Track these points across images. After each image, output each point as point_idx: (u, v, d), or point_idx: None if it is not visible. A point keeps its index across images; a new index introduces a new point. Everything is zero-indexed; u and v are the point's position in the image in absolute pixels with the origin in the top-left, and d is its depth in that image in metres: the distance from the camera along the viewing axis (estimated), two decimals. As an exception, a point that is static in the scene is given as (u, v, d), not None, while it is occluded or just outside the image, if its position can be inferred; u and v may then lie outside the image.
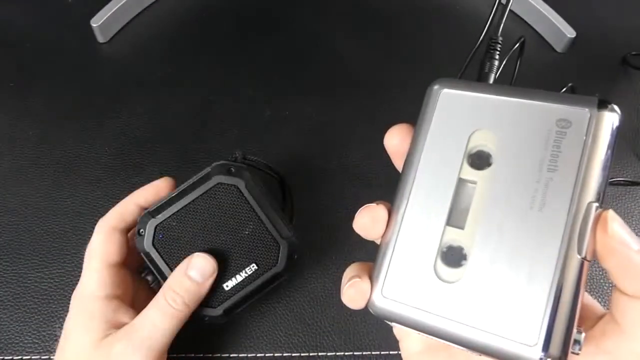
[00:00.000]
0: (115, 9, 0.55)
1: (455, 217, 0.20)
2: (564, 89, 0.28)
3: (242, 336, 0.38)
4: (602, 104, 0.20)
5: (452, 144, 0.21)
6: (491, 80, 0.25)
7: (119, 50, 0.55)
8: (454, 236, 0.20)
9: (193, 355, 0.37)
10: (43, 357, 0.36)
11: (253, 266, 0.33)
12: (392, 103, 0.52)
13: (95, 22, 0.54)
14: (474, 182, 0.21)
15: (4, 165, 0.45)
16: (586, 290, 0.20)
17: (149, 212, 0.32)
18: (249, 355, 0.37)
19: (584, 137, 0.19)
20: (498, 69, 0.25)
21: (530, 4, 0.60)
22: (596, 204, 0.19)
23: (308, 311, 0.39)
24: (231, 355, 0.37)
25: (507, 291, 0.19)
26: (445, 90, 0.22)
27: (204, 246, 0.32)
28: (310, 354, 0.37)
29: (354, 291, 0.21)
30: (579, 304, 0.18)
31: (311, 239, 0.42)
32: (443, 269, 0.20)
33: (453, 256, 0.20)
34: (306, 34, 0.58)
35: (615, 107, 0.20)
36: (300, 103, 0.51)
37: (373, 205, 0.22)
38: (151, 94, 0.51)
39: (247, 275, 0.33)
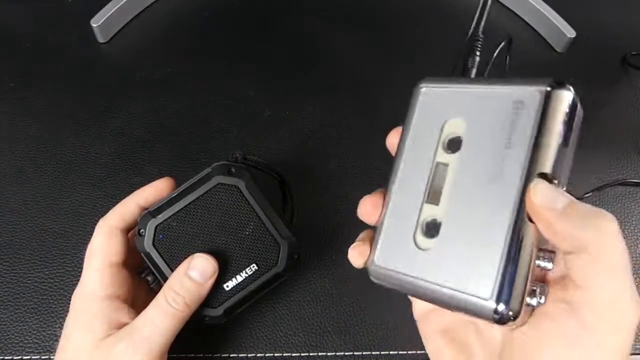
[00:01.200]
0: (115, 9, 0.55)
1: (432, 195, 0.24)
2: (502, 43, 0.29)
3: (242, 336, 0.38)
4: (555, 84, 0.22)
5: (429, 132, 0.25)
6: (472, 74, 0.27)
7: (119, 50, 0.55)
8: (431, 212, 0.24)
9: (193, 355, 0.37)
10: (43, 357, 0.36)
11: (253, 266, 0.33)
12: (392, 103, 0.52)
13: (95, 22, 0.53)
14: (447, 164, 0.24)
15: (4, 165, 0.45)
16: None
17: (149, 213, 0.32)
18: (249, 355, 0.37)
19: (534, 115, 0.21)
20: (480, 63, 0.28)
21: (530, 4, 0.60)
22: (546, 173, 0.21)
23: (308, 311, 0.39)
24: (231, 355, 0.37)
25: (469, 254, 0.22)
26: (425, 87, 0.26)
27: (205, 246, 0.32)
28: (310, 354, 0.37)
29: (356, 252, 0.25)
30: (531, 262, 0.21)
31: (311, 238, 0.42)
32: (421, 239, 0.23)
33: (429, 228, 0.23)
34: (306, 34, 0.58)
35: (569, 87, 0.22)
36: (300, 103, 0.51)
37: (370, 195, 0.26)
38: (151, 94, 0.51)
39: (247, 275, 0.33)
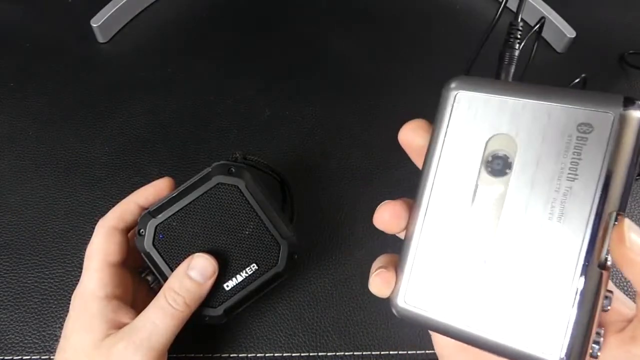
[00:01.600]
0: (115, 9, 0.55)
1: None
2: (576, 81, 0.26)
3: (242, 336, 0.38)
4: (627, 103, 0.18)
5: (470, 149, 0.21)
6: (511, 73, 0.24)
7: (119, 50, 0.55)
8: (475, 245, 0.20)
9: (193, 355, 0.37)
10: (43, 357, 0.36)
11: (253, 266, 0.33)
12: (392, 103, 0.52)
13: (95, 22, 0.54)
14: (493, 190, 0.20)
15: (4, 165, 0.45)
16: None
17: (149, 212, 0.32)
18: (249, 355, 0.37)
19: (606, 143, 0.18)
20: (516, 57, 0.23)
21: (530, 4, 0.60)
22: (615, 214, 0.18)
23: (308, 311, 0.39)
24: (231, 355, 0.37)
25: (528, 304, 0.19)
26: (460, 91, 0.21)
27: (205, 246, 0.32)
28: (310, 354, 0.37)
29: (380, 280, 0.22)
30: (597, 315, 0.18)
31: (311, 238, 0.42)
32: (466, 280, 0.20)
33: (474, 268, 0.20)
34: (306, 34, 0.58)
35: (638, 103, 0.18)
36: (300, 103, 0.51)
37: (393, 201, 0.23)
38: (151, 94, 0.51)
39: (247, 275, 0.33)
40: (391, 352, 0.38)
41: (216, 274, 0.31)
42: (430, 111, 0.49)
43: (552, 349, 0.18)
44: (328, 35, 0.58)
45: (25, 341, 0.37)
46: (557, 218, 0.19)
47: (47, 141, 0.47)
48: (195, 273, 0.31)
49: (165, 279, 0.32)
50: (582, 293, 0.18)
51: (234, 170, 0.33)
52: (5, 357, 0.36)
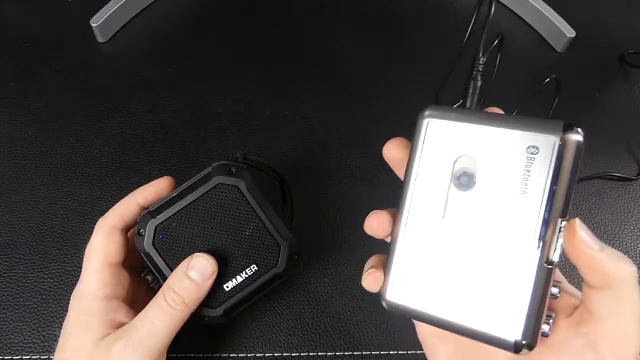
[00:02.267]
0: (115, 9, 0.55)
1: (448, 232, 0.24)
2: (546, 81, 0.28)
3: (242, 336, 0.38)
4: (567, 129, 0.22)
5: (440, 168, 0.25)
6: (475, 102, 0.27)
7: (119, 50, 0.55)
8: (448, 249, 0.24)
9: (193, 355, 0.37)
10: (43, 357, 0.36)
11: (254, 267, 0.33)
12: (392, 103, 0.52)
13: (95, 22, 0.54)
14: (460, 202, 0.24)
15: (4, 165, 0.45)
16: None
17: (149, 213, 0.32)
18: (249, 355, 0.37)
19: (549, 163, 0.22)
20: (481, 90, 0.28)
21: (530, 4, 0.60)
22: (561, 219, 0.22)
23: (308, 311, 0.39)
24: (231, 355, 0.37)
25: (489, 294, 0.23)
26: (434, 121, 0.25)
27: (205, 247, 0.32)
28: (310, 354, 0.37)
29: (371, 279, 0.26)
30: (547, 302, 0.22)
31: (311, 238, 0.42)
32: (440, 276, 0.24)
33: (447, 266, 0.24)
34: (306, 34, 0.58)
35: (579, 130, 0.22)
36: (300, 103, 0.51)
37: (380, 211, 0.26)
38: (151, 94, 0.51)
39: (247, 276, 0.33)
40: (391, 352, 0.38)
41: (216, 274, 0.31)
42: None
43: (512, 330, 0.22)
44: (328, 35, 0.58)
45: (25, 341, 0.37)
46: (514, 224, 0.23)
47: (47, 141, 0.47)
48: (194, 273, 0.31)
49: (165, 279, 0.32)
50: (535, 285, 0.22)
51: (234, 170, 0.33)
52: (5, 357, 0.36)
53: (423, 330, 0.29)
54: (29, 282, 0.39)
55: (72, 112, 0.49)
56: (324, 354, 0.37)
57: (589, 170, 0.49)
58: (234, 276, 0.32)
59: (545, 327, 0.23)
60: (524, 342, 0.22)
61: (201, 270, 0.31)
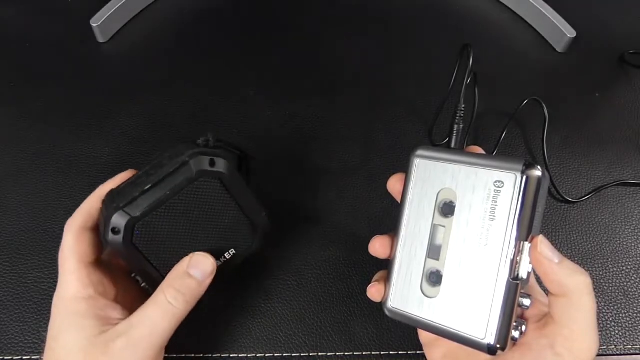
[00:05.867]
0: (115, 9, 0.55)
1: (433, 252, 0.29)
2: (468, 80, 0.34)
3: (242, 336, 0.38)
4: (526, 167, 0.26)
5: (427, 199, 0.30)
6: (458, 141, 0.34)
7: (119, 50, 0.55)
8: (433, 265, 0.29)
9: (193, 355, 0.37)
10: (43, 358, 0.36)
11: (232, 251, 0.33)
12: (392, 103, 0.52)
13: (95, 22, 0.54)
14: (443, 226, 0.29)
15: (4, 166, 0.45)
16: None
17: (121, 208, 0.30)
18: (249, 355, 0.37)
19: (512, 195, 0.27)
20: (462, 130, 0.34)
21: (530, 4, 0.60)
22: (524, 242, 0.26)
23: (308, 311, 0.39)
24: (231, 355, 0.37)
25: (466, 302, 0.27)
26: (422, 160, 0.31)
27: (185, 239, 0.32)
28: (310, 354, 0.37)
29: (374, 290, 0.31)
30: (514, 309, 0.27)
31: (312, 238, 0.42)
32: (427, 288, 0.29)
33: (432, 280, 0.29)
34: (306, 34, 0.58)
35: (537, 167, 0.27)
36: (300, 103, 0.51)
37: (381, 236, 0.32)
38: (151, 94, 0.51)
39: (225, 260, 0.33)
40: (391, 352, 0.38)
41: (215, 272, 0.31)
42: (429, 113, 0.49)
43: (487, 334, 0.26)
44: (329, 36, 0.58)
45: (25, 341, 0.37)
46: (484, 246, 0.27)
47: (47, 141, 0.47)
48: (195, 271, 0.31)
49: (147, 276, 0.31)
50: (504, 298, 0.26)
51: (215, 161, 0.31)
52: (5, 357, 0.36)
53: (423, 334, 0.33)
54: (29, 282, 0.39)
55: (72, 112, 0.49)
56: (324, 354, 0.37)
57: (589, 170, 0.49)
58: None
59: (515, 333, 0.27)
60: (497, 345, 0.26)
61: (202, 268, 0.31)
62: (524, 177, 0.26)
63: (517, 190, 0.26)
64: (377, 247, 0.31)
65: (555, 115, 0.50)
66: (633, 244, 0.44)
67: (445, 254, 0.29)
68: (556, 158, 0.49)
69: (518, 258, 0.27)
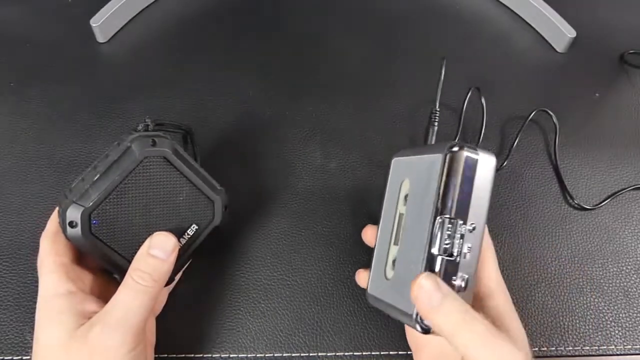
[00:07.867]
0: (115, 9, 0.55)
1: (395, 238, 0.32)
2: (441, 80, 0.42)
3: (242, 336, 0.38)
4: (456, 147, 0.28)
5: (395, 191, 0.33)
6: (433, 139, 0.39)
7: (119, 50, 0.55)
8: (394, 250, 0.32)
9: (193, 355, 0.37)
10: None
11: (194, 227, 0.34)
12: (392, 103, 0.52)
13: (95, 22, 0.54)
14: (403, 214, 0.32)
15: (4, 166, 0.45)
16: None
17: (74, 202, 0.30)
18: (249, 355, 0.37)
19: (437, 174, 0.28)
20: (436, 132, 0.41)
21: (530, 4, 0.60)
22: (446, 216, 0.27)
23: (308, 311, 0.39)
24: (231, 355, 0.37)
25: (405, 280, 0.28)
26: (395, 158, 0.35)
27: (143, 221, 0.32)
28: (310, 354, 0.37)
29: (360, 276, 0.36)
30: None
31: (312, 238, 0.42)
32: (389, 272, 0.32)
33: (393, 263, 0.31)
34: (306, 34, 0.58)
35: (467, 148, 0.28)
36: (300, 103, 0.51)
37: (372, 225, 0.36)
38: (151, 94, 0.51)
39: (189, 236, 0.34)
40: (391, 352, 0.38)
41: (177, 247, 0.32)
42: (427, 111, 0.49)
43: (414, 308, 0.27)
44: (328, 35, 0.58)
45: (25, 341, 0.37)
46: (417, 224, 0.29)
47: (47, 141, 0.47)
48: (157, 251, 0.31)
49: (114, 264, 0.31)
50: (424, 271, 0.27)
51: (156, 141, 0.32)
52: (5, 357, 0.36)
53: (410, 338, 0.36)
54: (28, 282, 0.39)
55: (72, 112, 0.49)
56: (324, 354, 0.37)
57: (589, 170, 0.49)
58: (179, 239, 0.33)
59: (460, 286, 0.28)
60: (422, 324, 0.27)
61: (162, 246, 0.31)
62: (447, 156, 0.28)
63: (440, 168, 0.28)
64: (369, 236, 0.36)
65: (555, 115, 0.50)
66: (633, 245, 0.44)
67: (400, 238, 0.31)
68: (561, 163, 0.49)
69: (436, 233, 0.27)
